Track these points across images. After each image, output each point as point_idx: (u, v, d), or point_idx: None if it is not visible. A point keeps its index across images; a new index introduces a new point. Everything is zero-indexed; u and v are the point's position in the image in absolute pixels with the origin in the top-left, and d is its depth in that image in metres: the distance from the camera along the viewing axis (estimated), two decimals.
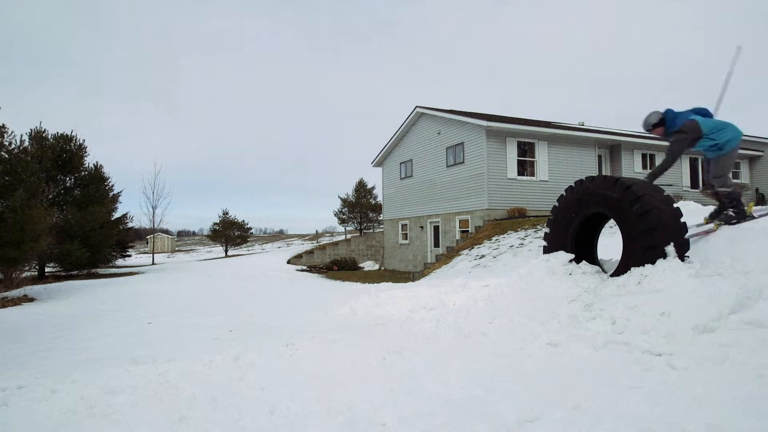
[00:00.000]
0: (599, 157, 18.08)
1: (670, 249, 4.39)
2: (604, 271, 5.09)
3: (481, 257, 11.91)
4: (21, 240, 11.45)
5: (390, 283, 11.35)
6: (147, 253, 41.05)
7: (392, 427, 2.66)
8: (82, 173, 19.96)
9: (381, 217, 25.36)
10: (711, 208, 5.73)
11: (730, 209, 4.97)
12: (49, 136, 18.65)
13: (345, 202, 30.81)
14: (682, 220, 4.59)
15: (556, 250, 5.45)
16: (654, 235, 4.41)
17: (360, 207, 30.52)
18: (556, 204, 5.57)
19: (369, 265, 23.37)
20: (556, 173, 16.60)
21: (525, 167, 16.56)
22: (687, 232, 4.60)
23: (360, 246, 25.81)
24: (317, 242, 30.07)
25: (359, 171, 75.61)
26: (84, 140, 19.85)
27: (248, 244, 41.17)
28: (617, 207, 4.72)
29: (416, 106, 19.48)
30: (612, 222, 5.54)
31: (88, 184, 19.75)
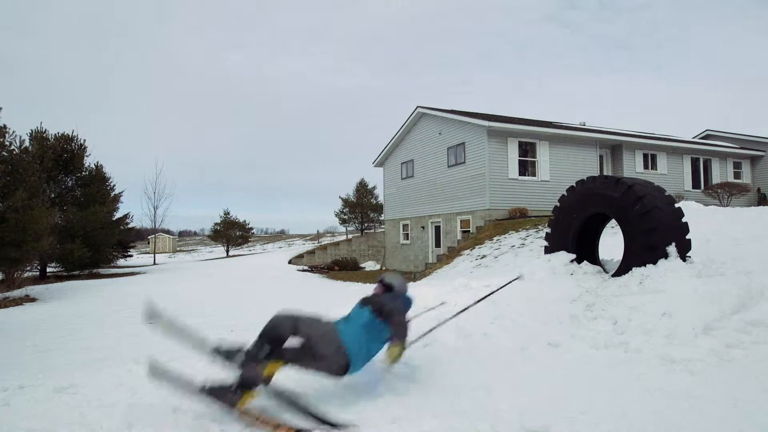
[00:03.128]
0: (601, 157, 18.05)
1: (672, 249, 4.37)
2: (605, 271, 5.07)
3: (482, 257, 11.89)
4: (22, 240, 11.47)
5: None
6: (148, 253, 41.07)
7: (392, 427, 2.66)
8: (83, 173, 20.01)
9: (382, 217, 25.34)
10: (712, 208, 5.69)
11: None
12: (50, 136, 18.70)
13: (346, 202, 30.80)
14: (684, 220, 4.58)
15: (558, 251, 5.42)
16: (655, 235, 4.39)
17: (361, 207, 30.50)
18: (558, 204, 5.54)
19: (370, 265, 23.35)
20: (558, 173, 16.56)
21: (526, 167, 16.54)
22: (689, 232, 4.59)
23: (361, 246, 25.80)
24: (318, 242, 30.08)
25: (360, 171, 75.55)
26: (84, 140, 19.93)
27: (249, 244, 41.16)
28: (619, 207, 4.70)
29: (417, 106, 19.44)
30: (614, 222, 5.53)
31: (89, 184, 19.79)
